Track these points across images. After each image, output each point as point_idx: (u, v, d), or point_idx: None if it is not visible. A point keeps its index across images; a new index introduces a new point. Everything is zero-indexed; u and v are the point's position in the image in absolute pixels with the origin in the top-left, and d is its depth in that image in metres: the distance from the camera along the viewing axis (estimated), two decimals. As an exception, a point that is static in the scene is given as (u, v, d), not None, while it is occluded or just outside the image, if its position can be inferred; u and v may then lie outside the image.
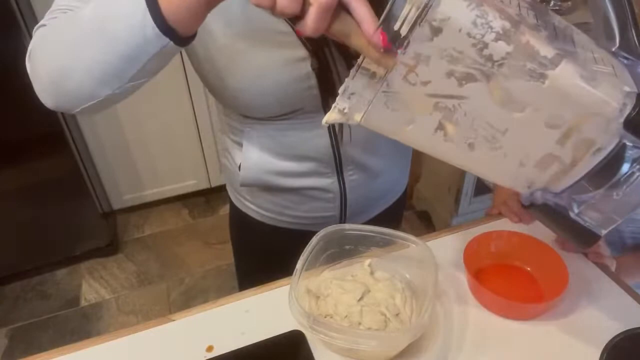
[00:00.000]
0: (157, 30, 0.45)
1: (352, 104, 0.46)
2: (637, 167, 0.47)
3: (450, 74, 0.43)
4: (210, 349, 0.65)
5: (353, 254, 0.73)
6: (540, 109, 0.44)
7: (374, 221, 0.90)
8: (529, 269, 0.75)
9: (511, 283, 0.74)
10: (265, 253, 0.95)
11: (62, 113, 1.74)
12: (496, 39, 0.40)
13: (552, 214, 0.52)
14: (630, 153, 0.46)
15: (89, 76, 0.49)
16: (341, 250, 0.72)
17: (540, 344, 0.65)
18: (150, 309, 1.88)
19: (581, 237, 0.52)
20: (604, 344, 0.58)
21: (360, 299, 0.66)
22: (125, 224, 2.26)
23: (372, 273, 0.72)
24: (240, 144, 0.78)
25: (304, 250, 0.67)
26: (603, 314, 0.68)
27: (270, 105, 0.69)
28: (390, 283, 0.69)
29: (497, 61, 0.41)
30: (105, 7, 0.47)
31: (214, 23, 0.62)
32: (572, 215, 0.51)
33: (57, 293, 1.95)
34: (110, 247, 2.09)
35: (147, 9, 0.44)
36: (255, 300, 0.72)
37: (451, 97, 0.45)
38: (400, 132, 0.48)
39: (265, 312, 0.70)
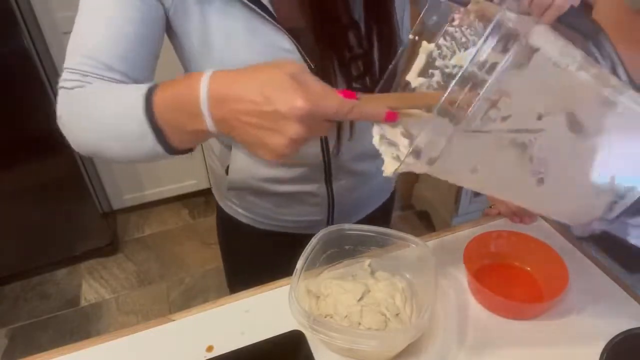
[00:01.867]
0: (166, 153, 0.52)
1: (425, 149, 0.44)
2: None
3: (532, 107, 0.43)
4: (210, 349, 0.65)
5: (353, 254, 0.73)
6: (611, 133, 0.45)
7: (362, 222, 0.90)
8: (529, 269, 0.75)
9: (511, 283, 0.74)
10: (252, 256, 0.94)
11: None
12: (578, 69, 0.42)
13: (609, 241, 0.51)
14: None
15: (115, 157, 0.56)
16: (341, 250, 0.72)
17: (540, 344, 0.65)
18: (150, 309, 1.88)
19: None
20: (604, 344, 0.58)
21: (360, 299, 0.66)
22: (125, 224, 2.26)
23: (372, 273, 0.72)
24: (229, 147, 0.78)
25: (304, 251, 0.67)
26: (603, 314, 0.68)
27: None
28: (390, 283, 0.69)
29: (578, 92, 0.42)
30: (119, 128, 0.52)
31: (216, 35, 0.61)
32: (631, 240, 0.51)
33: (57, 293, 1.95)
34: (110, 247, 2.09)
35: (157, 143, 0.50)
36: (255, 300, 0.72)
37: (529, 131, 0.45)
38: (469, 176, 0.48)
39: (265, 312, 0.70)
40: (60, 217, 1.90)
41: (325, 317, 0.66)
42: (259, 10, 0.59)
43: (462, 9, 0.51)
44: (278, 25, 0.60)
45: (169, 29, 0.64)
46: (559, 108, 0.43)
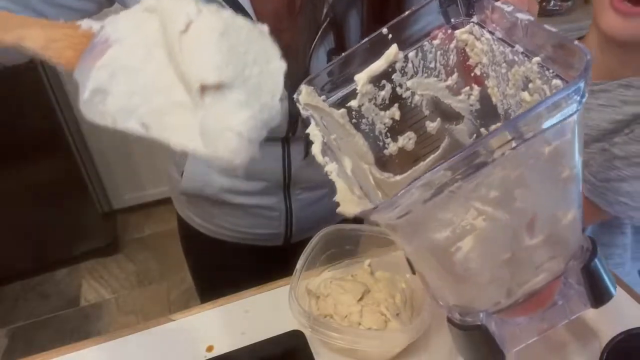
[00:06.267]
0: None
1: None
2: None
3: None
4: (210, 349, 0.65)
5: (353, 254, 0.73)
6: None
7: None
8: (529, 269, 0.75)
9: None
10: (213, 266, 0.93)
11: (62, 113, 1.74)
12: None
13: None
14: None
15: None
16: (341, 250, 0.72)
17: (541, 343, 0.65)
18: (150, 309, 1.88)
19: None
20: (604, 344, 0.58)
21: (360, 299, 0.66)
22: (125, 224, 2.26)
23: (372, 273, 0.72)
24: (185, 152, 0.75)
25: (304, 250, 0.67)
26: (603, 314, 0.68)
27: None
28: (390, 283, 0.69)
29: None
30: None
31: None
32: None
33: (57, 293, 1.95)
34: (110, 247, 2.09)
35: None
36: (255, 300, 0.72)
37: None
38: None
39: (265, 312, 0.70)
40: (60, 217, 1.90)
41: (325, 317, 0.66)
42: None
43: (449, 30, 0.47)
44: None
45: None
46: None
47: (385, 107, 0.50)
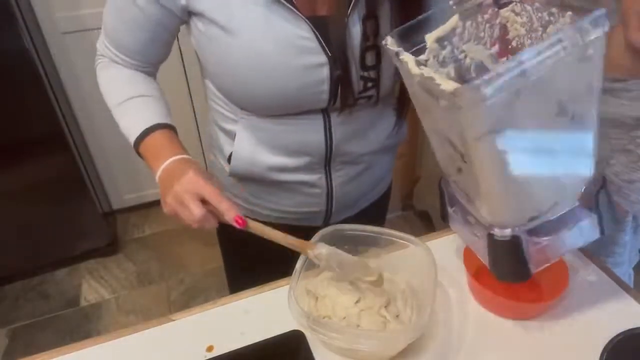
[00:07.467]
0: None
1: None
2: None
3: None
4: (210, 349, 0.65)
5: (353, 254, 0.73)
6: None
7: (359, 215, 0.91)
8: (529, 269, 0.75)
9: (511, 283, 0.74)
10: (252, 250, 0.94)
11: (62, 113, 1.74)
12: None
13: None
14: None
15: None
16: (341, 250, 0.72)
17: (540, 344, 0.65)
18: (150, 309, 1.88)
19: None
20: (604, 344, 0.58)
21: (358, 300, 0.66)
22: (125, 224, 2.26)
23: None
24: (232, 134, 0.78)
25: (304, 251, 0.66)
26: (603, 314, 0.68)
27: (279, 106, 0.70)
28: (390, 283, 0.69)
29: None
30: (120, 124, 0.80)
31: (237, 25, 0.63)
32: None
33: (57, 293, 1.95)
34: (110, 247, 2.09)
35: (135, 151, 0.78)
36: (255, 300, 0.72)
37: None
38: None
39: (265, 312, 0.70)
40: (60, 217, 1.90)
41: (324, 318, 0.66)
42: None
43: (495, 8, 0.58)
44: (298, 13, 0.63)
45: (187, 15, 0.67)
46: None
47: (444, 65, 0.60)
